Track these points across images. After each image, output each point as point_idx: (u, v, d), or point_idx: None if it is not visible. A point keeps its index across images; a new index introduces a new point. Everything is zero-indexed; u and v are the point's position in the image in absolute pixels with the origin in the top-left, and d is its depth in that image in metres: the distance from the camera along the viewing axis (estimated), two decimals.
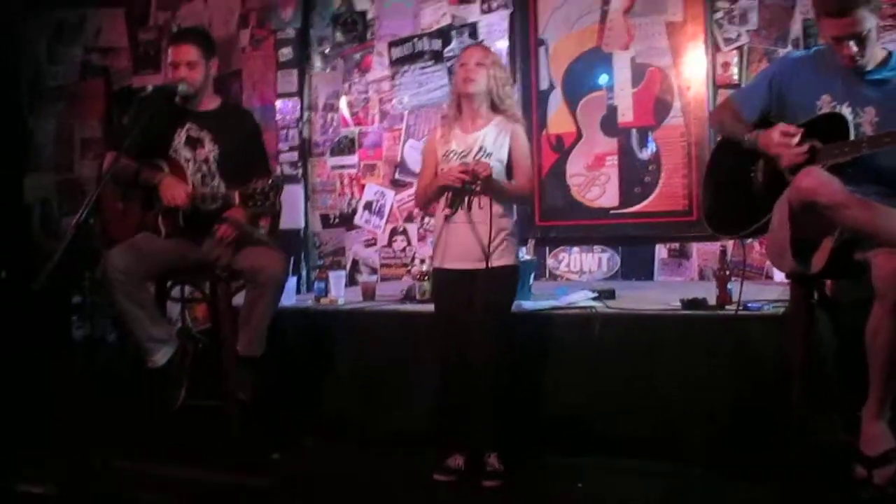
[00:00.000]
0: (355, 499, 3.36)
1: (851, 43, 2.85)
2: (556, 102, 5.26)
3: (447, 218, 3.47)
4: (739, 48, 4.84)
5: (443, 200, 3.49)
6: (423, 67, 5.53)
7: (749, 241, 4.57)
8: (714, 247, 4.62)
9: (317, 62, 5.86)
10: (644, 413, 3.52)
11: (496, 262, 3.38)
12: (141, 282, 3.62)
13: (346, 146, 5.79)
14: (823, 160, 2.85)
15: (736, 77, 4.82)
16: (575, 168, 5.21)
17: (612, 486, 3.34)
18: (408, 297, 4.40)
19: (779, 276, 4.24)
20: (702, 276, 4.89)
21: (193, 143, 3.83)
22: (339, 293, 4.54)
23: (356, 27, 5.75)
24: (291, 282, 4.59)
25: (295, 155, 5.81)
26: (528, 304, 3.88)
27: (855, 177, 2.84)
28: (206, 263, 3.80)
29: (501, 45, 5.25)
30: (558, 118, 5.23)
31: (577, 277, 5.21)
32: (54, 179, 6.50)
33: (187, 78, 3.78)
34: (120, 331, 4.43)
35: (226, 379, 3.73)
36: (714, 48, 4.88)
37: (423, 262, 4.82)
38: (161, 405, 3.73)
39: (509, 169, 3.50)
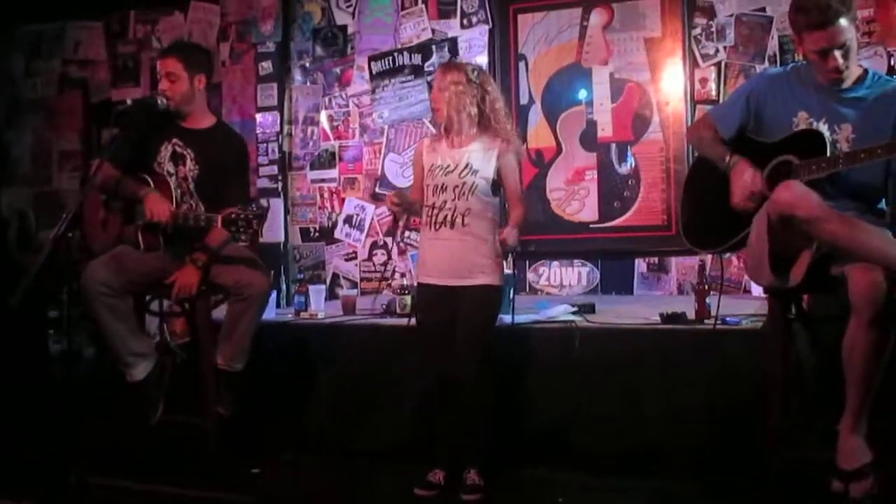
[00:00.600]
0: None
1: (837, 54, 2.88)
2: (536, 117, 5.29)
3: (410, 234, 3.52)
4: (717, 64, 4.90)
5: (424, 216, 3.49)
6: (404, 82, 5.55)
7: (727, 255, 4.61)
8: (693, 261, 4.65)
9: (297, 76, 5.86)
10: (624, 428, 3.53)
11: (478, 280, 3.38)
12: (121, 294, 3.60)
13: (326, 160, 5.79)
14: (801, 176, 2.88)
15: (714, 93, 4.88)
16: (555, 182, 5.23)
17: (592, 501, 3.34)
18: (388, 311, 4.39)
19: (757, 290, 4.28)
20: (681, 291, 4.93)
21: (177, 158, 3.80)
22: (319, 307, 4.53)
23: (336, 41, 5.76)
24: (271, 296, 4.57)
25: (275, 168, 5.79)
26: (507, 318, 3.88)
27: (832, 193, 2.87)
28: None
29: (481, 59, 5.27)
30: (538, 133, 5.26)
31: (557, 291, 5.22)
32: (31, 193, 6.44)
33: (168, 90, 3.74)
34: (97, 345, 4.38)
35: (204, 393, 3.70)
36: (692, 64, 4.94)
37: (403, 276, 4.82)
38: (139, 420, 3.70)
39: (495, 187, 3.48)
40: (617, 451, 3.50)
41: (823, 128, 2.96)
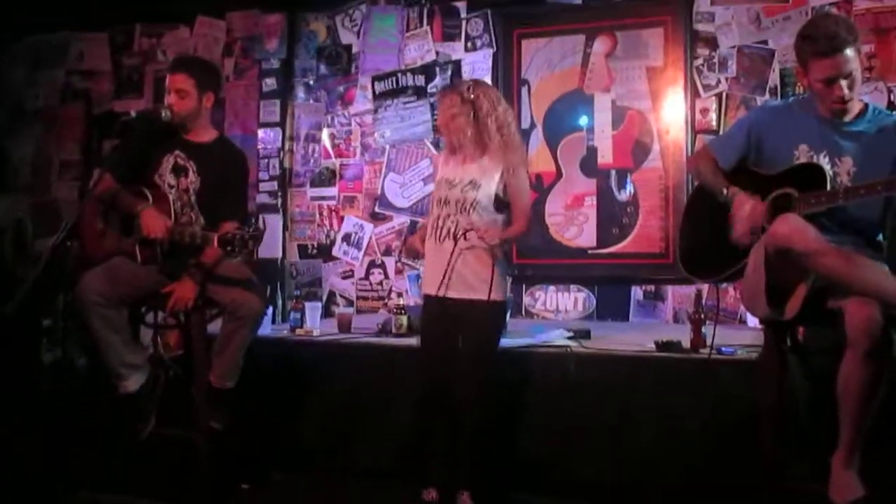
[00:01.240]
0: None
1: (843, 83, 2.89)
2: (537, 142, 5.30)
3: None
4: (718, 95, 4.92)
5: (429, 227, 3.55)
6: (406, 102, 5.57)
7: (724, 285, 4.61)
8: (689, 290, 4.66)
9: (300, 93, 5.88)
10: (616, 455, 3.53)
11: (482, 295, 3.38)
12: (116, 306, 3.59)
13: (326, 177, 5.80)
14: (800, 209, 2.89)
15: (714, 123, 4.90)
16: (554, 207, 5.24)
17: None
18: (384, 330, 4.39)
19: (752, 320, 4.28)
20: (676, 319, 4.93)
21: (178, 170, 3.81)
22: (315, 324, 4.53)
23: (340, 60, 5.78)
24: (267, 312, 4.56)
25: (275, 185, 5.80)
26: (503, 342, 3.88)
27: (830, 226, 2.88)
28: None
29: None
30: (539, 157, 5.28)
31: (553, 316, 5.22)
32: (29, 201, 6.44)
33: (175, 105, 3.74)
34: (90, 356, 4.36)
35: (197, 408, 3.69)
36: (693, 94, 4.96)
37: (399, 295, 4.82)
38: (130, 433, 3.69)
39: (500, 203, 3.49)
40: (609, 479, 3.50)
41: (824, 161, 2.98)
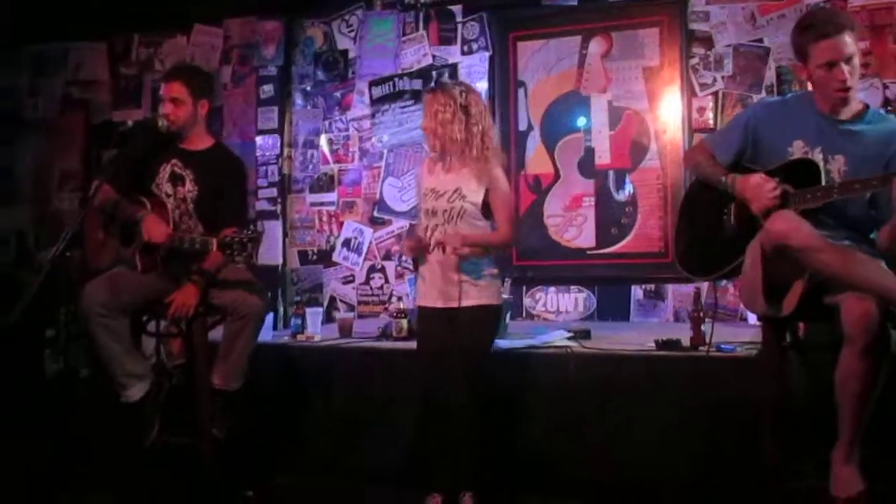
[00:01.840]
0: None
1: (844, 66, 2.91)
2: (535, 144, 5.32)
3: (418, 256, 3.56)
4: (715, 93, 4.93)
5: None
6: (404, 107, 5.59)
7: (723, 283, 4.62)
8: (689, 288, 4.65)
9: (298, 99, 5.90)
10: (617, 454, 3.53)
11: (476, 301, 3.39)
12: (118, 315, 3.60)
13: (325, 183, 5.81)
14: (795, 204, 2.90)
15: (711, 122, 4.91)
16: (552, 209, 5.25)
17: None
18: (385, 334, 4.40)
19: (753, 318, 4.29)
20: (677, 318, 4.94)
21: (175, 179, 3.83)
22: (316, 329, 4.54)
23: (338, 66, 5.80)
24: (268, 318, 4.57)
25: (274, 191, 5.82)
26: (504, 343, 3.89)
27: (826, 223, 2.89)
28: None
29: (481, 86, 5.30)
30: (536, 159, 5.29)
31: (554, 317, 5.23)
32: (31, 212, 6.46)
33: (170, 114, 3.76)
34: (93, 366, 4.38)
35: (200, 415, 3.69)
36: (690, 93, 4.97)
37: (400, 299, 4.83)
38: (134, 441, 3.70)
39: (487, 210, 3.49)
40: (611, 478, 3.50)
41: (818, 157, 2.98)
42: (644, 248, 5.05)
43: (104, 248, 3.84)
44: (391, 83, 5.63)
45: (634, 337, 4.06)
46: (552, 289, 5.29)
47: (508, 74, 5.38)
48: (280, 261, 5.79)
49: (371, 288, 5.65)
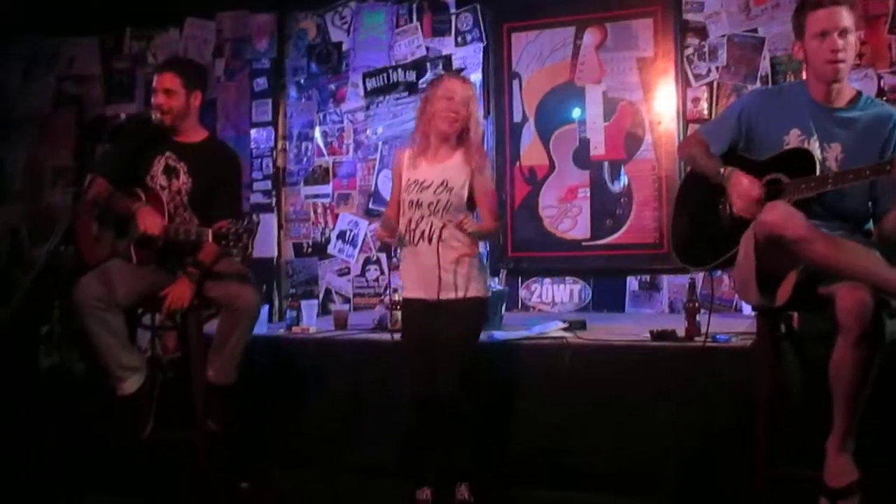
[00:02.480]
0: None
1: (836, 36, 2.91)
2: (529, 135, 5.32)
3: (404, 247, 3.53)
4: (709, 84, 4.93)
5: (403, 230, 3.50)
6: (398, 98, 5.58)
7: (718, 274, 4.62)
8: (684, 279, 4.67)
9: (291, 92, 5.89)
10: (613, 445, 3.54)
11: (461, 293, 3.39)
12: (113, 309, 3.59)
13: (319, 176, 5.81)
14: (789, 195, 2.89)
15: (706, 112, 4.91)
16: (547, 200, 5.25)
17: None
18: (380, 326, 4.40)
19: (747, 309, 4.30)
20: (672, 309, 4.94)
21: (170, 172, 3.82)
22: (312, 322, 4.54)
23: (331, 58, 5.79)
24: (263, 310, 4.57)
25: (269, 184, 5.82)
26: (499, 335, 3.89)
27: (821, 213, 2.89)
28: None
29: (475, 77, 5.31)
30: (531, 150, 5.29)
31: (549, 308, 5.23)
32: (24, 209, 6.44)
33: (164, 105, 3.76)
34: (88, 361, 4.37)
35: (195, 408, 3.69)
36: (684, 83, 4.97)
37: (395, 291, 4.81)
38: (129, 435, 3.69)
39: (472, 202, 3.49)
40: (606, 469, 3.51)
41: (815, 145, 2.98)
42: (639, 240, 5.05)
43: (98, 242, 3.83)
44: (385, 75, 5.62)
45: (630, 328, 4.06)
46: (547, 280, 5.29)
47: (502, 66, 5.38)
48: (275, 253, 5.79)
49: (366, 280, 5.65)
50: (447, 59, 5.47)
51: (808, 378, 3.18)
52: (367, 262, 5.66)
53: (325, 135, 5.81)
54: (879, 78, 4.55)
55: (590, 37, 5.20)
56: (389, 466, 3.76)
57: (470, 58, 5.44)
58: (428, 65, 5.51)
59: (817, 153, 2.95)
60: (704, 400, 3.40)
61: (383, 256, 5.60)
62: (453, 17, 5.48)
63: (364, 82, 5.68)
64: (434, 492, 3.37)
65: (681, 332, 3.72)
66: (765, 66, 4.81)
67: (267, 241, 5.70)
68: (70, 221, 3.36)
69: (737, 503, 3.05)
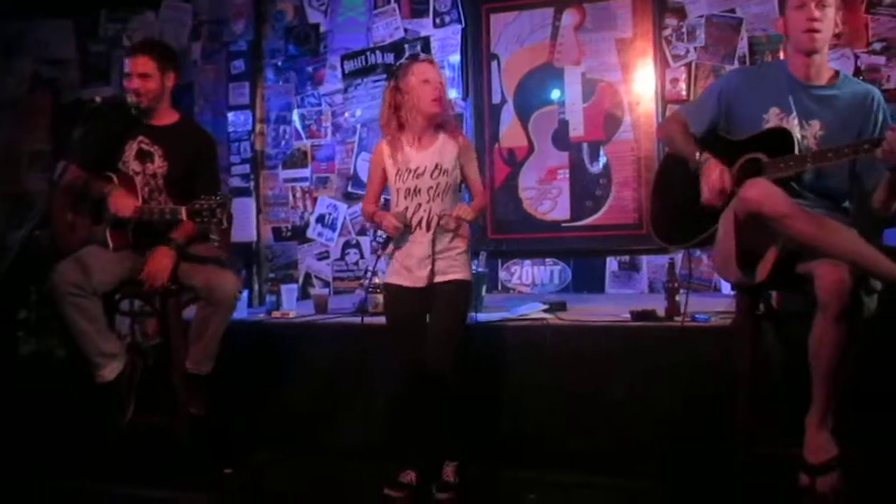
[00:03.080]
0: None
1: (813, 7, 2.94)
2: (509, 116, 5.30)
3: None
4: (688, 64, 4.93)
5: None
6: (376, 81, 5.55)
7: (697, 253, 4.65)
8: (664, 260, 4.69)
9: (269, 74, 5.84)
10: (594, 425, 3.55)
11: (449, 276, 3.38)
12: (90, 295, 3.56)
13: (298, 159, 5.78)
14: (768, 174, 2.91)
15: (684, 93, 4.92)
16: (527, 181, 5.25)
17: (562, 498, 3.36)
18: (360, 309, 4.38)
19: (726, 288, 4.32)
20: (652, 289, 4.97)
21: (144, 156, 3.78)
22: (292, 306, 4.52)
23: (309, 40, 5.75)
24: (243, 295, 4.55)
25: (247, 167, 5.78)
26: (480, 316, 3.89)
27: (800, 191, 2.91)
28: None
29: (454, 59, 5.29)
30: (511, 132, 5.28)
31: (529, 290, 5.24)
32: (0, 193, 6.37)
33: (139, 88, 3.73)
34: (68, 346, 4.34)
35: (176, 394, 3.68)
36: (663, 64, 4.97)
37: (375, 274, 4.81)
38: (109, 421, 3.68)
39: (460, 183, 3.50)
40: (587, 448, 3.52)
41: (794, 123, 3.00)
42: (618, 220, 5.07)
43: (74, 228, 3.80)
44: (363, 57, 5.59)
45: (610, 308, 4.07)
46: (527, 262, 5.29)
47: (481, 47, 5.36)
48: (254, 237, 5.76)
49: (346, 263, 5.64)
50: (425, 41, 5.44)
51: (788, 356, 3.20)
52: (347, 245, 5.65)
53: (303, 118, 5.77)
54: (856, 57, 4.56)
55: (569, 17, 5.19)
56: (372, 449, 3.76)
57: (448, 39, 5.41)
58: (406, 46, 5.48)
59: (796, 131, 2.97)
60: (686, 379, 3.42)
61: (364, 239, 5.58)
62: None
63: (342, 64, 5.64)
64: (418, 474, 3.37)
65: (661, 312, 3.74)
66: (743, 46, 4.81)
67: (246, 225, 5.66)
68: (45, 207, 3.32)
69: (719, 480, 3.07)
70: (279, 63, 5.81)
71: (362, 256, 5.59)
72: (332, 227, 5.67)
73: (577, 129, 5.16)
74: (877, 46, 4.56)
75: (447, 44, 5.40)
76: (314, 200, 5.73)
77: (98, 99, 3.70)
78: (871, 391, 2.99)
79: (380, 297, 4.27)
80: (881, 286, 2.65)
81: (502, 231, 5.27)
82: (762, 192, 2.74)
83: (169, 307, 3.76)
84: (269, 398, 4.08)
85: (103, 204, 3.63)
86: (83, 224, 3.77)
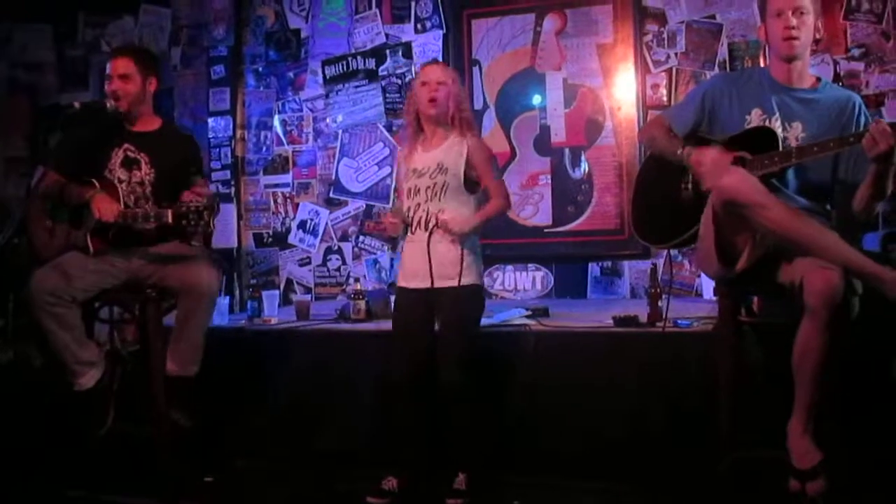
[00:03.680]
0: None
1: (791, 14, 2.97)
2: (490, 122, 5.30)
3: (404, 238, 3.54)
4: (668, 70, 4.95)
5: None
6: (358, 86, 5.54)
7: (679, 258, 4.67)
8: (646, 265, 4.71)
9: (250, 80, 5.81)
10: (577, 430, 3.55)
11: (455, 281, 3.36)
12: (68, 303, 3.53)
13: (279, 164, 5.75)
14: (753, 170, 2.91)
15: (665, 98, 4.93)
16: (509, 187, 5.23)
17: (547, 503, 3.36)
18: (342, 316, 4.37)
19: (708, 293, 4.34)
20: (634, 294, 4.97)
21: (130, 164, 3.75)
22: (273, 313, 4.49)
23: (290, 45, 5.73)
24: (224, 301, 4.53)
25: (228, 173, 5.75)
26: None
27: (785, 191, 2.93)
28: (136, 281, 3.70)
29: None
30: (492, 137, 5.26)
31: (512, 296, 5.24)
32: None
33: (120, 90, 3.69)
34: (46, 354, 4.30)
35: (156, 401, 3.64)
36: (644, 70, 4.99)
37: (357, 280, 4.80)
38: (88, 429, 3.64)
39: (469, 184, 3.48)
40: (570, 453, 3.52)
41: (776, 124, 3.02)
42: (600, 226, 5.07)
43: (52, 235, 3.76)
44: (344, 62, 5.57)
45: (592, 314, 4.08)
46: (510, 267, 5.29)
47: (463, 52, 5.35)
48: (235, 244, 5.72)
49: (328, 269, 5.61)
50: (407, 47, 5.44)
51: (769, 361, 3.21)
52: (329, 251, 5.63)
53: (284, 123, 5.75)
54: (836, 63, 4.59)
55: (550, 23, 5.19)
56: (354, 457, 3.75)
57: (430, 45, 5.40)
58: (388, 52, 5.47)
59: (779, 132, 2.99)
60: (668, 384, 3.42)
61: (346, 245, 5.56)
62: (413, 4, 5.43)
63: (323, 70, 5.62)
64: (400, 481, 3.35)
65: (643, 318, 3.74)
66: (723, 52, 4.83)
67: (226, 232, 5.63)
68: (22, 214, 3.28)
69: (702, 485, 3.07)
70: (260, 68, 5.79)
71: (344, 262, 5.57)
72: (314, 233, 5.65)
73: (558, 135, 5.17)
74: (855, 52, 4.59)
75: (428, 49, 5.39)
76: (295, 206, 5.71)
77: (76, 104, 3.67)
78: (852, 395, 3.01)
79: (361, 304, 4.28)
80: (861, 289, 2.66)
81: (484, 236, 5.21)
82: (737, 180, 2.75)
83: (149, 313, 3.72)
84: (250, 405, 4.05)
85: (84, 210, 3.60)
86: (62, 231, 3.73)
